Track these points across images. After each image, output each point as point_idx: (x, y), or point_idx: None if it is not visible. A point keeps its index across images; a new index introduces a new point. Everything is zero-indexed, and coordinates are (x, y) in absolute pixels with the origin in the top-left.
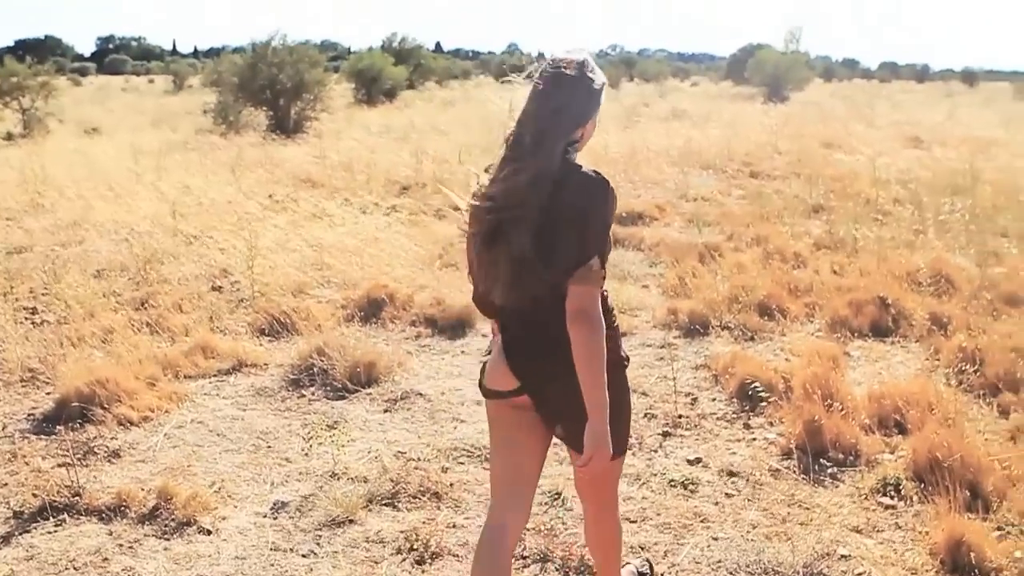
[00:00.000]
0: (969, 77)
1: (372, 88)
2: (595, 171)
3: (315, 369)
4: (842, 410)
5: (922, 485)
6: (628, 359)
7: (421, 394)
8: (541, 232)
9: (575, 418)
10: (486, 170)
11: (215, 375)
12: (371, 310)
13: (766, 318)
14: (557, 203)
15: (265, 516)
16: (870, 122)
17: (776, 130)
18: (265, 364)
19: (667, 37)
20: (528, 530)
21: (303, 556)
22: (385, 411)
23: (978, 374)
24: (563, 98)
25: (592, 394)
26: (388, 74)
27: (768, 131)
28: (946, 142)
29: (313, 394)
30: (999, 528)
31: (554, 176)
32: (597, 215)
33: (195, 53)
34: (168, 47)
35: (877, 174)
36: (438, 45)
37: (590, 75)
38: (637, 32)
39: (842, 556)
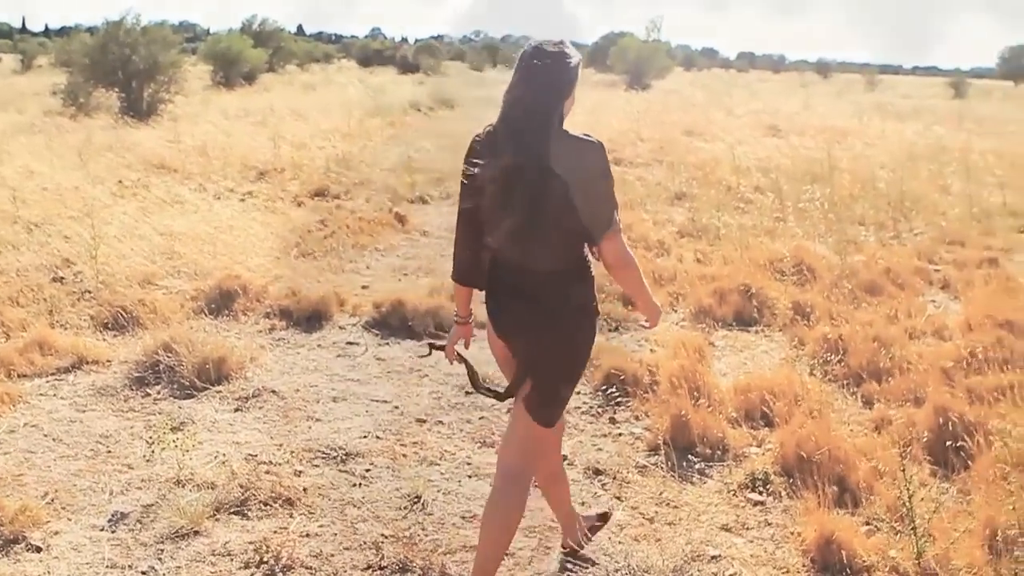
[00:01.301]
0: (823, 68)
1: (230, 71)
2: (586, 135)
3: (161, 366)
4: (708, 404)
5: (790, 480)
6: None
7: (274, 391)
8: (564, 199)
9: (540, 362)
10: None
11: (53, 373)
12: (223, 302)
13: (630, 308)
14: (571, 169)
15: (102, 529)
16: (729, 111)
17: (638, 117)
18: (108, 361)
19: (529, 25)
20: (386, 537)
21: (142, 573)
22: (235, 410)
23: (841, 364)
24: (547, 75)
25: (645, 301)
26: (247, 57)
27: (630, 118)
28: (803, 131)
29: (159, 393)
30: (868, 523)
31: (551, 144)
32: (606, 172)
33: (46, 32)
34: (17, 25)
35: (737, 162)
36: (300, 28)
37: (567, 53)
38: (500, 18)
39: (712, 557)
